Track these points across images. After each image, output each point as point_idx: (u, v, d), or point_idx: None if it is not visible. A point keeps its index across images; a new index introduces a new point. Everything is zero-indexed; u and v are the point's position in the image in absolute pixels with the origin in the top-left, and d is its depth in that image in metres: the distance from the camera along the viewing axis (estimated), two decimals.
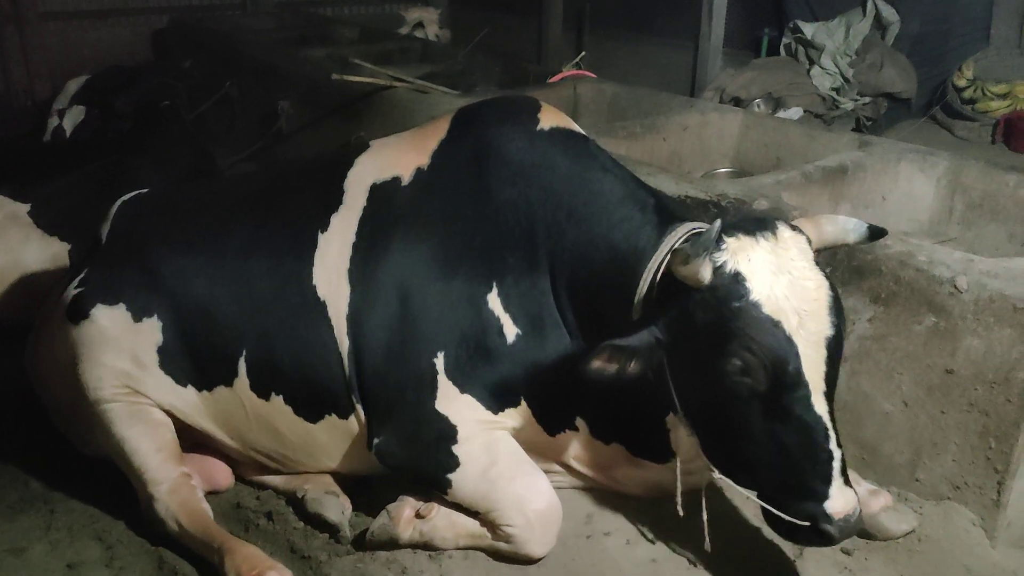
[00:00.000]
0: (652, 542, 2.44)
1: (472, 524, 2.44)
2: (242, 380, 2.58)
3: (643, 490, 2.58)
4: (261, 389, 2.58)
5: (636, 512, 2.56)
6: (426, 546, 2.45)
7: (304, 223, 2.60)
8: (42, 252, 3.75)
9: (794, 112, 6.03)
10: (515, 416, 2.48)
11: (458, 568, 2.40)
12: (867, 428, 2.64)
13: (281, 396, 2.57)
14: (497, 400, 2.44)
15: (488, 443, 2.44)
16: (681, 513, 2.29)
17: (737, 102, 6.06)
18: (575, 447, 2.56)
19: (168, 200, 3.00)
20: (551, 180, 2.46)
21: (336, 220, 2.57)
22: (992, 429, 2.41)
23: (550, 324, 2.43)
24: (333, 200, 2.61)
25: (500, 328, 2.41)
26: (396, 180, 2.58)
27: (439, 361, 2.42)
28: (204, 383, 2.63)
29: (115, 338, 2.60)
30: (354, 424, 2.55)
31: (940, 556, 2.41)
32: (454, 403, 2.42)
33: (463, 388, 2.42)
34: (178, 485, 2.57)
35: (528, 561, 2.40)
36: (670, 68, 6.68)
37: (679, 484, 2.30)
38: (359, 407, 2.52)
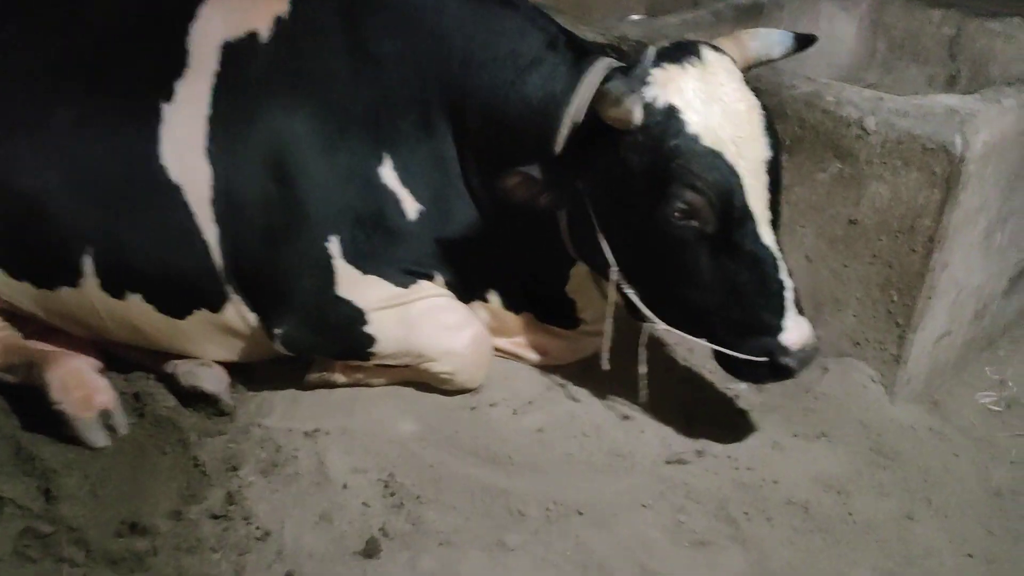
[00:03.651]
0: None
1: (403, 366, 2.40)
2: (89, 280, 2.28)
3: (566, 355, 2.50)
4: (114, 289, 2.30)
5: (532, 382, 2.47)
6: (361, 384, 2.44)
7: (143, 91, 2.23)
8: None
9: None
10: (429, 288, 2.34)
11: (336, 445, 2.27)
12: None
13: (139, 295, 2.31)
14: (407, 277, 2.30)
15: (402, 313, 2.31)
16: (606, 367, 2.22)
17: None
18: (488, 319, 2.46)
19: None
20: (440, 24, 2.19)
21: (182, 88, 2.22)
22: (895, 281, 2.33)
23: (455, 195, 2.26)
24: (176, 62, 2.23)
25: (399, 205, 2.23)
26: (253, 37, 2.23)
27: (333, 245, 2.22)
28: (43, 282, 2.33)
29: None
30: (231, 316, 2.34)
31: (836, 413, 2.40)
32: (357, 286, 2.27)
33: (366, 270, 2.26)
34: None
35: (463, 391, 2.40)
36: None
37: (608, 340, 2.21)
38: (236, 298, 2.30)
